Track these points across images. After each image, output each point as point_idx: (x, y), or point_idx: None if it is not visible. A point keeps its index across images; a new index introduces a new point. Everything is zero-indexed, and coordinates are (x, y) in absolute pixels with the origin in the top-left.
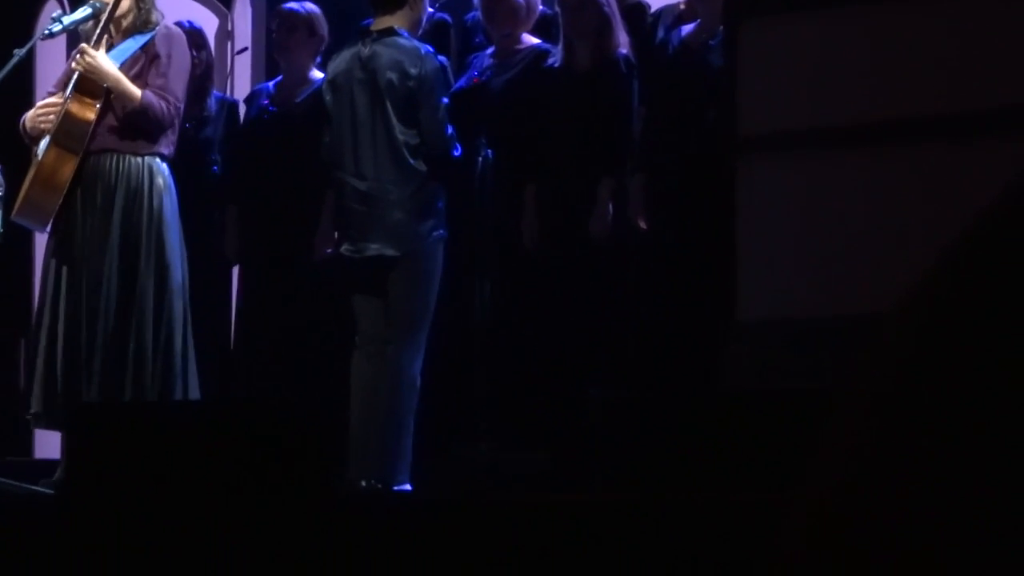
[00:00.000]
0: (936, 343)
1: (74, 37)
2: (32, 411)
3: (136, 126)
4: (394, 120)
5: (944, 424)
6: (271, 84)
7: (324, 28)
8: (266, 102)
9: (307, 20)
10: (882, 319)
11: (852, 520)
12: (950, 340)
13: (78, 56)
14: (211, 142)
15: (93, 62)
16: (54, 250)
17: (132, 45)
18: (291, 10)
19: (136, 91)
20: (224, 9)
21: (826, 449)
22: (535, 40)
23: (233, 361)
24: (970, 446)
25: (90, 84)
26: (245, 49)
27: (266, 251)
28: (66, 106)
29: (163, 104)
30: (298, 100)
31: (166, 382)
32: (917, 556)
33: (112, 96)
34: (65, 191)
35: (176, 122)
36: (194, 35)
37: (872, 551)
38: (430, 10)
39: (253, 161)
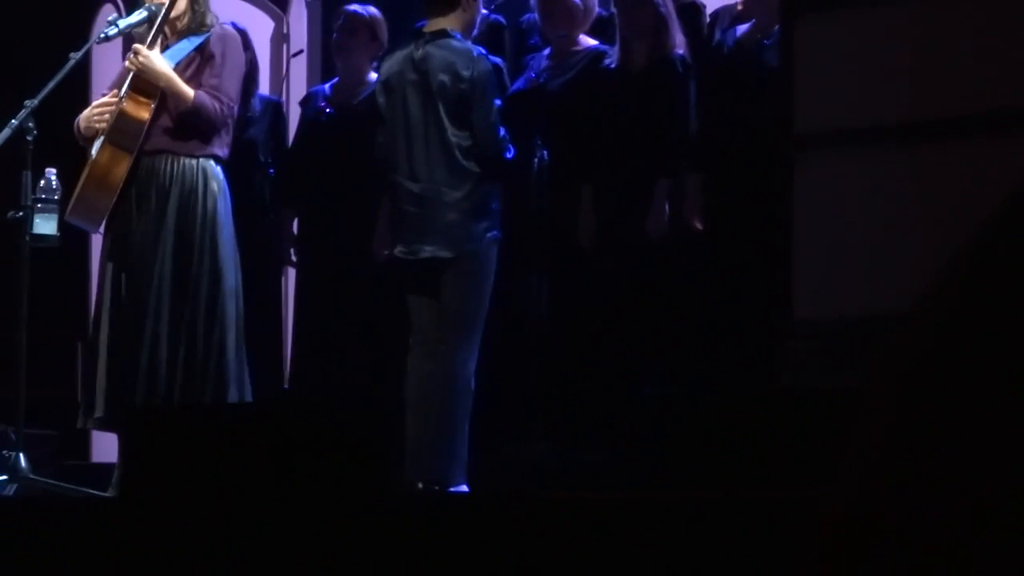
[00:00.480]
0: (952, 342)
1: (129, 40)
2: (95, 415)
3: (190, 126)
4: (447, 122)
5: (961, 421)
6: (327, 86)
7: (385, 33)
8: (323, 104)
9: (370, 23)
10: (901, 318)
11: (874, 516)
12: (965, 339)
13: (132, 55)
14: (255, 143)
15: (147, 61)
16: (108, 252)
17: (187, 46)
18: (355, 12)
19: (189, 91)
20: (280, 12)
21: (850, 446)
22: (592, 41)
23: (288, 363)
24: (987, 444)
25: (144, 84)
26: (301, 52)
27: (324, 253)
28: (120, 105)
29: (216, 104)
30: (356, 102)
31: (220, 384)
32: (938, 551)
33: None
34: (119, 191)
35: (230, 122)
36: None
37: (894, 546)
38: (484, 12)
39: (310, 163)
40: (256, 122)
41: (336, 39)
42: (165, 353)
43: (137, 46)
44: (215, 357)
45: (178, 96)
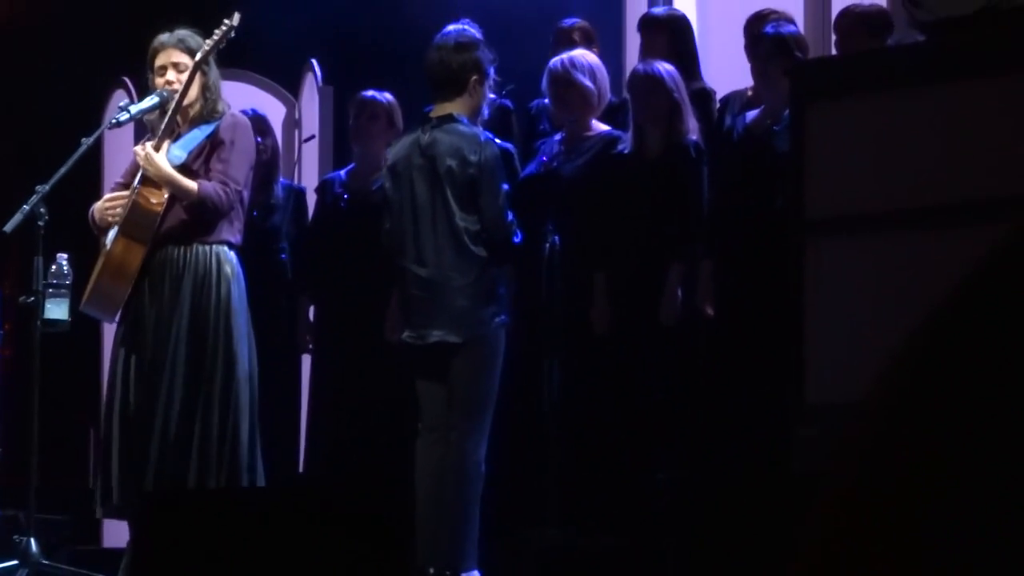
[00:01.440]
0: (909, 418)
1: (141, 125)
2: (112, 503)
3: (199, 217)
4: (454, 206)
5: (920, 497)
6: (343, 172)
7: (401, 120)
8: (340, 191)
9: (388, 110)
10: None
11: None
12: (923, 416)
13: (137, 153)
14: (279, 230)
15: (148, 164)
16: (122, 339)
17: (198, 135)
18: (373, 98)
19: (192, 186)
20: (291, 97)
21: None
22: (604, 127)
23: (302, 448)
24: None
25: None
26: (312, 137)
27: (339, 340)
28: (134, 197)
29: (220, 191)
30: (373, 188)
31: (233, 471)
32: None
33: None
34: (134, 281)
35: (239, 207)
36: (258, 122)
37: None
38: (492, 96)
39: (327, 250)
40: (279, 209)
41: (354, 125)
42: (178, 439)
43: (137, 149)
44: (229, 443)
45: (182, 193)
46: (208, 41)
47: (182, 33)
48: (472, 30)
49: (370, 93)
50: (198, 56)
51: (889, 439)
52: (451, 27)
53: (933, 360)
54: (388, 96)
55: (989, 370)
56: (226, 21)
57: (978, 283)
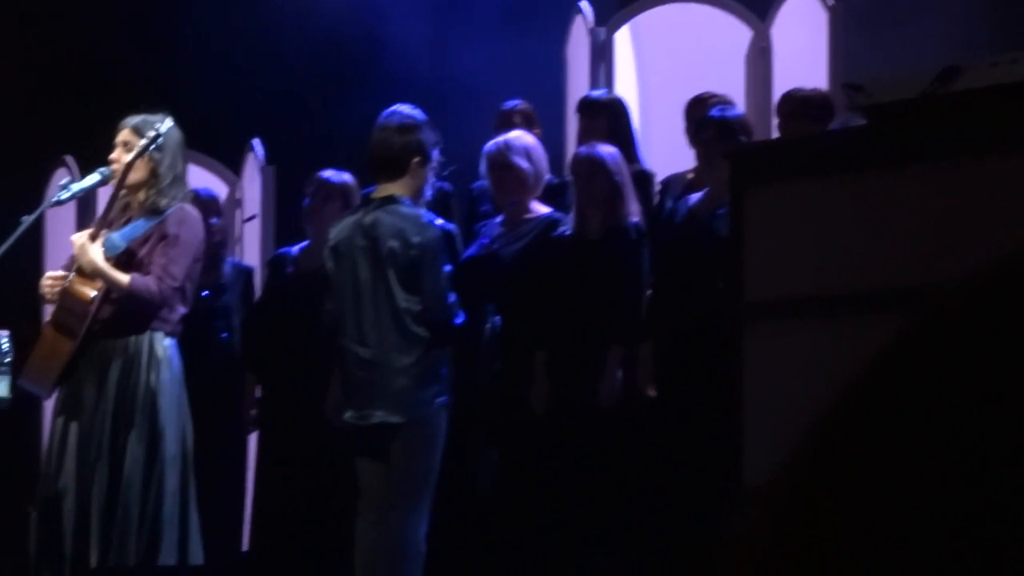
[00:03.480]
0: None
1: (84, 203)
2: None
3: (130, 309)
4: (396, 287)
5: None
6: (294, 249)
7: (358, 199)
8: (291, 269)
9: (344, 191)
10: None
11: None
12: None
13: (75, 243)
14: (228, 309)
15: (80, 253)
16: (54, 419)
17: (142, 225)
18: (328, 180)
19: (123, 279)
20: (234, 176)
21: None
22: (544, 208)
23: (247, 526)
24: None
25: None
26: (254, 217)
27: (286, 417)
28: (66, 286)
29: (153, 287)
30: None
31: (152, 549)
32: None
33: None
34: (64, 365)
35: (175, 302)
36: (210, 203)
37: None
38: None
39: (276, 327)
40: (228, 288)
41: (308, 205)
42: (101, 517)
43: (74, 238)
44: (149, 523)
45: (113, 285)
46: (140, 142)
47: (144, 119)
48: (415, 112)
49: (327, 173)
50: (126, 159)
51: (803, 512)
52: (395, 108)
53: (845, 435)
54: (346, 177)
55: (903, 444)
56: (157, 126)
57: (889, 358)
